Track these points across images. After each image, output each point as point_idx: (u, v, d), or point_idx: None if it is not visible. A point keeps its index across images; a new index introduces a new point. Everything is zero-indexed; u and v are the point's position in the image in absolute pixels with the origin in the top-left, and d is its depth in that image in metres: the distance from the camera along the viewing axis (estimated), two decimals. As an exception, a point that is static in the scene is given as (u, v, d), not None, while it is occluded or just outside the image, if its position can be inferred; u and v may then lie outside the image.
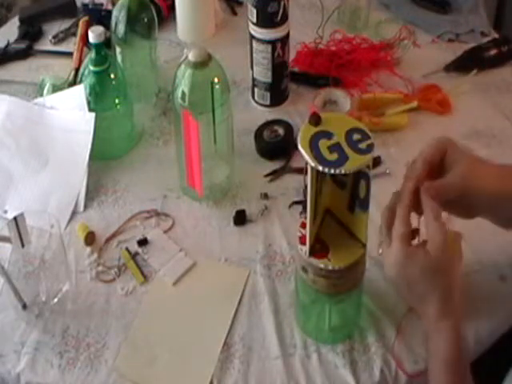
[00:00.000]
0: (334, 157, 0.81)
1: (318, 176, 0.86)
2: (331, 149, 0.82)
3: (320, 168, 0.81)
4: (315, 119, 0.84)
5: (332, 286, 0.91)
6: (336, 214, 0.95)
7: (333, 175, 0.87)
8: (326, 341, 1.00)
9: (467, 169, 0.90)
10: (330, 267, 0.89)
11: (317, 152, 0.82)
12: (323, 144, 0.82)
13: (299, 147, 0.83)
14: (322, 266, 0.89)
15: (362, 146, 0.82)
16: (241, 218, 1.16)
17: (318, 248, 0.90)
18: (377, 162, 1.23)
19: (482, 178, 0.90)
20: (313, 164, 0.81)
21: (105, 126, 1.24)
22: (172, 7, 1.52)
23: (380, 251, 0.93)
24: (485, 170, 0.91)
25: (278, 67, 1.33)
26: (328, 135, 0.83)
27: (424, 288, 0.88)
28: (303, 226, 0.90)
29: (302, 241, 0.90)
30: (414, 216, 0.90)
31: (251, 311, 1.05)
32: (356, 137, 0.83)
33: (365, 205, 0.88)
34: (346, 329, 1.01)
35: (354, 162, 0.81)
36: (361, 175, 0.86)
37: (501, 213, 0.94)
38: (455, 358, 0.87)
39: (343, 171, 0.80)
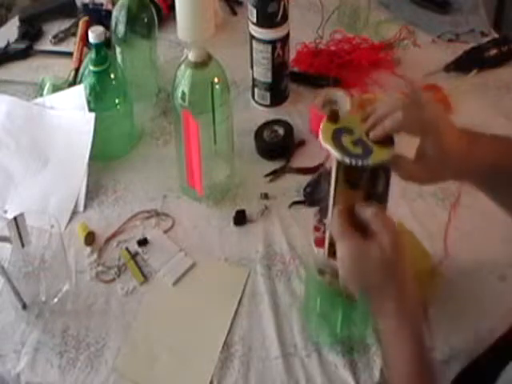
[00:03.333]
0: (358, 150, 0.81)
1: (338, 174, 0.84)
2: (354, 143, 0.82)
3: (347, 160, 0.80)
4: (334, 115, 0.85)
5: None
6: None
7: (347, 175, 0.85)
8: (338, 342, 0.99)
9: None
10: None
11: (341, 145, 0.81)
12: (346, 139, 0.82)
13: (323, 143, 0.82)
14: None
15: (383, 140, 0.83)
16: (241, 218, 1.16)
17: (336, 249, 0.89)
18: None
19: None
20: (340, 157, 0.80)
21: (105, 126, 1.24)
22: (172, 7, 1.52)
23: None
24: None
25: (278, 67, 1.33)
26: (349, 131, 0.84)
27: (379, 282, 0.82)
28: (316, 229, 0.89)
29: (318, 243, 0.89)
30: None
31: (251, 311, 1.05)
32: None
33: (383, 198, 0.87)
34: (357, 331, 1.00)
35: (379, 154, 0.81)
36: (380, 170, 0.85)
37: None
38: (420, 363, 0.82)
39: (370, 162, 0.80)
